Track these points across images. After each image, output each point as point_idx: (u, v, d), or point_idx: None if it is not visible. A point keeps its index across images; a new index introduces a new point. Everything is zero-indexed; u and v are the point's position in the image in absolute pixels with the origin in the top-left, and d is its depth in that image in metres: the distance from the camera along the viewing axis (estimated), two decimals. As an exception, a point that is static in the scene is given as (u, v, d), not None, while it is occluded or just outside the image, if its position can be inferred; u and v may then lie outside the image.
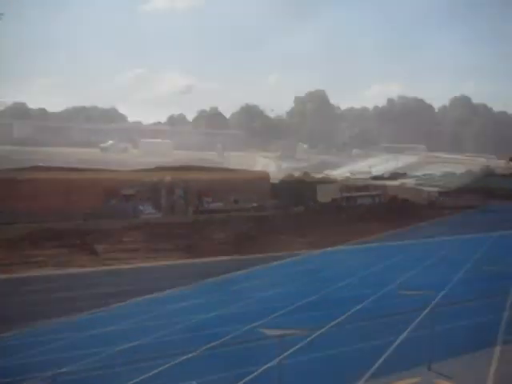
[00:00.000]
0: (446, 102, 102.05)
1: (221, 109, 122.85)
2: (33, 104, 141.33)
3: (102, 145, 70.81)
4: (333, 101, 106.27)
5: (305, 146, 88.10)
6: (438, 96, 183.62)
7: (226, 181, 22.47)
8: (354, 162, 60.42)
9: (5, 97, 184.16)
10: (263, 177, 23.94)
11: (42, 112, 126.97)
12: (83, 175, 21.53)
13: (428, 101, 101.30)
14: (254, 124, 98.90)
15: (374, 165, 55.97)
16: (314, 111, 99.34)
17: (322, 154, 73.36)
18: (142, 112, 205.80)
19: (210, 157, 56.95)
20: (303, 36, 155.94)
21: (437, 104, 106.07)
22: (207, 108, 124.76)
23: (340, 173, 52.33)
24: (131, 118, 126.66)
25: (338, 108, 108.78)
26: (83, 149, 64.36)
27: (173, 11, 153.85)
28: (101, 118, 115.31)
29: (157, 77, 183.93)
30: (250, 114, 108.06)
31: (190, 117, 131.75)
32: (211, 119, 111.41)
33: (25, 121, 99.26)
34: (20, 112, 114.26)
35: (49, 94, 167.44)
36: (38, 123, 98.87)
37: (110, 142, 73.17)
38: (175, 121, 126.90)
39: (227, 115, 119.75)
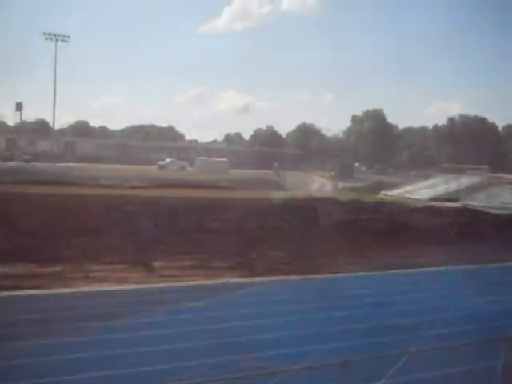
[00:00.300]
0: (510, 120, 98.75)
1: (277, 127, 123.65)
2: (94, 122, 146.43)
3: (159, 162, 72.03)
4: (391, 120, 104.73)
5: (361, 165, 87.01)
6: (501, 114, 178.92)
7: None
8: (412, 183, 58.83)
9: (68, 115, 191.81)
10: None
11: (103, 130, 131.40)
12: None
13: (491, 119, 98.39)
14: (310, 143, 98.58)
15: (434, 186, 54.33)
16: (372, 130, 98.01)
17: (379, 173, 72.08)
18: (198, 130, 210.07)
19: (266, 175, 56.79)
20: (360, 53, 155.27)
21: (500, 122, 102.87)
22: (263, 126, 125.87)
23: (397, 193, 51.03)
24: (188, 137, 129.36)
25: (396, 127, 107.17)
26: (142, 166, 65.63)
27: (230, 32, 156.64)
28: (159, 137, 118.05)
29: (214, 96, 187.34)
30: (307, 132, 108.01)
31: (247, 135, 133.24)
32: (267, 138, 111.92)
33: (87, 139, 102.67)
34: (82, 130, 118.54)
35: (109, 113, 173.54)
36: (99, 141, 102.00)
37: (168, 159, 74.35)
38: (232, 139, 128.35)
39: (283, 134, 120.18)
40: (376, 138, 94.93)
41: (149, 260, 16.16)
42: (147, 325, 10.40)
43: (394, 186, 55.47)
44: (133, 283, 13.82)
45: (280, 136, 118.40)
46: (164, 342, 9.49)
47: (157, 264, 15.99)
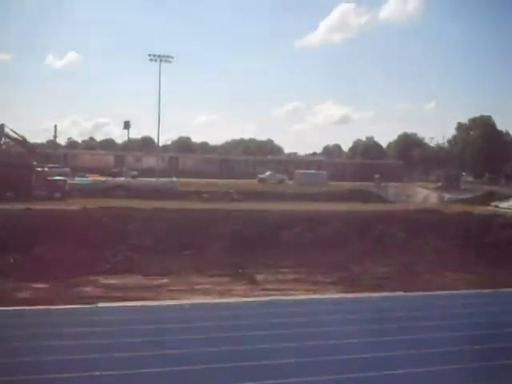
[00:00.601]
0: None
1: (377, 138, 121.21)
2: (196, 138, 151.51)
3: (259, 176, 73.04)
4: (500, 126, 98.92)
5: (468, 175, 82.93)
6: None
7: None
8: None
9: (172, 132, 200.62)
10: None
11: (204, 145, 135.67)
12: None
13: None
14: (412, 153, 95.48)
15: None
16: (479, 138, 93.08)
17: (489, 184, 68.28)
18: (297, 143, 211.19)
19: (367, 187, 55.65)
20: (462, 60, 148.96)
21: None
22: (363, 137, 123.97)
23: (510, 205, 47.95)
24: (287, 150, 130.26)
25: (507, 134, 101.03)
26: (242, 180, 66.86)
27: (327, 44, 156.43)
28: (258, 150, 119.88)
29: (312, 108, 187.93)
30: (408, 142, 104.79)
31: (346, 147, 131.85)
32: (367, 149, 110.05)
33: (189, 154, 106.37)
34: (185, 146, 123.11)
35: (210, 129, 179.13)
36: (201, 156, 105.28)
37: (268, 173, 75.21)
38: (331, 151, 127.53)
39: (384, 144, 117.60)
40: (484, 146, 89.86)
41: (251, 273, 16.25)
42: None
43: (507, 196, 52.18)
44: (237, 296, 13.95)
45: (380, 146, 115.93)
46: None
47: (259, 277, 16.05)
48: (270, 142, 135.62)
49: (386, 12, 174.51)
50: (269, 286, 15.22)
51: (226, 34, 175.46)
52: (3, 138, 40.83)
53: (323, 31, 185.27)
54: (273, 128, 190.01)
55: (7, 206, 26.97)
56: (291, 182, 70.22)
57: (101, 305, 12.45)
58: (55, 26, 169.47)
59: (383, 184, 58.16)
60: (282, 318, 11.87)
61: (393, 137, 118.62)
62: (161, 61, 68.64)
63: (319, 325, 11.44)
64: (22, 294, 13.18)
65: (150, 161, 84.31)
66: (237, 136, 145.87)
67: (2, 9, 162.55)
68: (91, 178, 52.75)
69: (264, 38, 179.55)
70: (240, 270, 16.43)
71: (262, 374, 8.62)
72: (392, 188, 56.43)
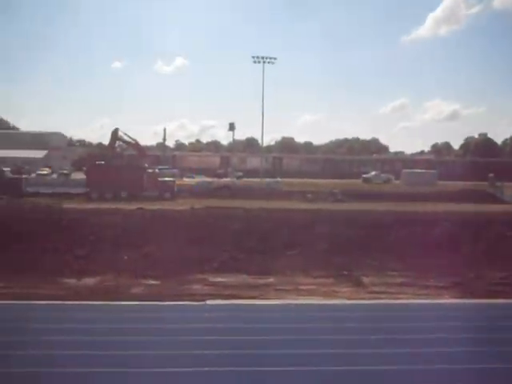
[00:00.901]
0: None
1: (491, 135, 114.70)
2: (299, 138, 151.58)
3: (364, 175, 71.69)
4: None
5: None
6: None
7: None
8: None
9: (275, 133, 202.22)
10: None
11: (308, 145, 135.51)
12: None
13: None
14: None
15: None
16: None
17: None
18: (403, 142, 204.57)
19: (480, 187, 52.66)
20: None
21: None
22: (475, 134, 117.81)
23: None
24: (392, 148, 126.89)
25: None
26: (346, 180, 65.93)
27: (434, 38, 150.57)
28: (362, 149, 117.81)
29: (419, 105, 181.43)
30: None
31: (456, 144, 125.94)
32: (480, 146, 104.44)
33: (292, 154, 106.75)
34: (288, 146, 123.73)
35: (314, 128, 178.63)
36: (304, 156, 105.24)
37: (373, 172, 73.62)
38: (440, 149, 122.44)
39: (499, 141, 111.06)
40: None
41: (358, 275, 15.89)
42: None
43: None
44: (342, 298, 13.67)
45: (495, 144, 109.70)
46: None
47: (365, 280, 15.65)
48: (374, 141, 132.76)
49: (499, 0, 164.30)
50: (376, 289, 14.80)
51: (329, 32, 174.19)
52: (117, 142, 43.05)
53: (430, 25, 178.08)
54: (378, 126, 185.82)
55: (121, 206, 28.47)
56: (398, 182, 68.23)
57: (209, 302, 12.72)
58: (163, 34, 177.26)
59: (498, 184, 54.54)
60: (391, 323, 11.47)
61: (509, 133, 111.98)
62: (264, 62, 69.24)
63: (432, 331, 10.92)
64: (135, 290, 13.79)
65: (254, 161, 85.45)
66: (341, 135, 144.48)
67: (115, 20, 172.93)
68: (198, 179, 54.43)
69: (369, 35, 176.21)
70: (345, 272, 16.11)
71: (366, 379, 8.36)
72: (509, 188, 52.86)
